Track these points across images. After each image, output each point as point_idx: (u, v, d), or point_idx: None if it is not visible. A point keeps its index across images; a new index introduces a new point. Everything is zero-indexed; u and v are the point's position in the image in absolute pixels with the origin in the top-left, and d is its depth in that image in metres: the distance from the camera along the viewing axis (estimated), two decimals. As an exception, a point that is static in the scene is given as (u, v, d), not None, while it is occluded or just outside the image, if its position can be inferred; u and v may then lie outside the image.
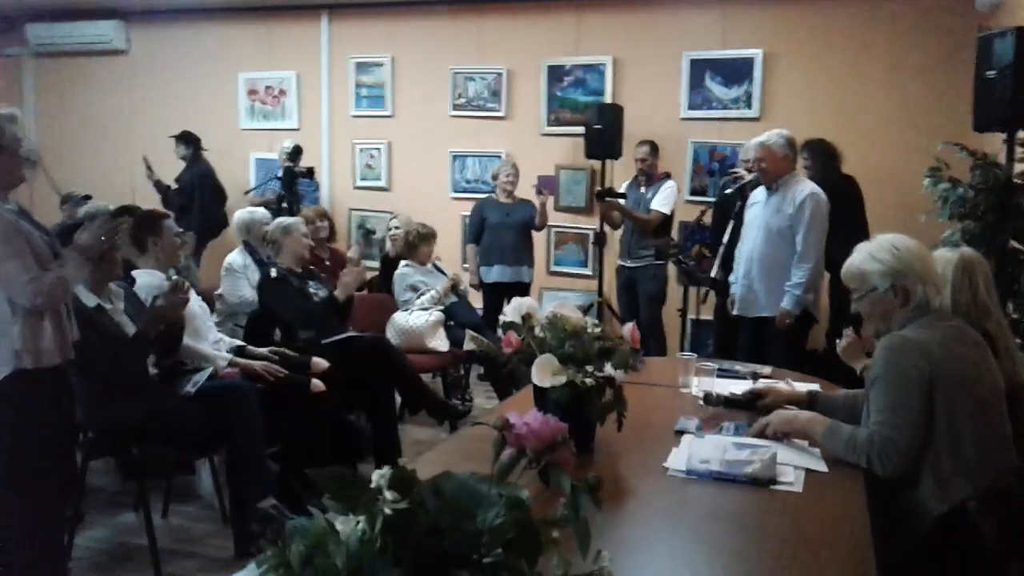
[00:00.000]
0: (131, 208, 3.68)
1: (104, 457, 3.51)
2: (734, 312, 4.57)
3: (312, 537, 1.05)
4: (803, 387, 2.73)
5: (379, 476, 1.02)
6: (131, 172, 7.44)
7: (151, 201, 6.57)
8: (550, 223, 6.56)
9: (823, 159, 5.13)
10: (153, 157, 6.93)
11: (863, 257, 2.24)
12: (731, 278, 4.59)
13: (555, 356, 2.07)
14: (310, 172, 6.22)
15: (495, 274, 5.73)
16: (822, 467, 2.09)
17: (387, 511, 1.00)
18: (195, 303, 3.77)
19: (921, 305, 2.16)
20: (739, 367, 3.12)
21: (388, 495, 1.01)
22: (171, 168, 6.92)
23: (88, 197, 6.53)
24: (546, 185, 5.84)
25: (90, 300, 3.04)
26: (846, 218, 4.58)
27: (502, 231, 5.72)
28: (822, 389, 2.74)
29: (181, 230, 3.76)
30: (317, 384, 3.62)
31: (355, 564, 0.98)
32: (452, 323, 5.05)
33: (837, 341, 2.94)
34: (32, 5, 7.47)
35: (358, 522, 1.02)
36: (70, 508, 3.12)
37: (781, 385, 2.71)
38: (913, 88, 5.78)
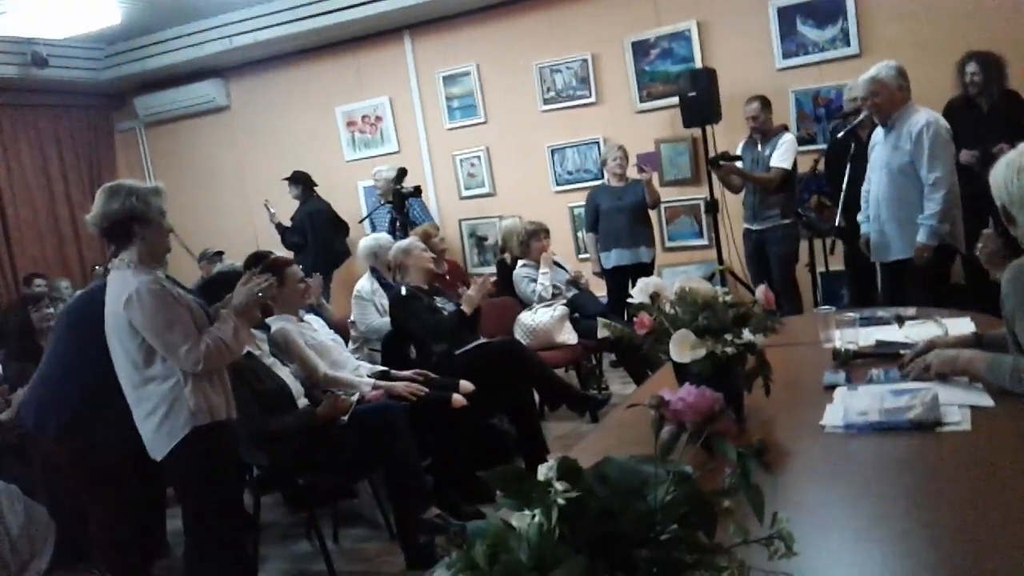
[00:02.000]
0: (261, 255, 3.87)
1: (272, 492, 3.69)
2: (871, 258, 4.39)
3: (492, 536, 1.08)
4: (958, 326, 2.60)
5: (547, 469, 1.05)
6: (250, 219, 7.83)
7: (274, 243, 6.90)
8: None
9: (993, 71, 4.80)
10: (273, 201, 7.25)
11: (996, 167, 2.13)
12: (860, 220, 4.39)
13: (690, 330, 2.05)
14: (417, 191, 6.38)
15: (614, 258, 5.72)
16: (988, 402, 1.99)
17: (560, 501, 1.03)
18: (328, 336, 3.93)
19: None
20: (881, 312, 3.00)
21: (559, 486, 1.04)
22: (290, 208, 7.23)
23: (221, 253, 6.93)
24: (647, 162, 5.78)
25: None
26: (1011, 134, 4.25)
27: (616, 215, 5.70)
28: (976, 325, 2.61)
29: (302, 275, 3.91)
30: (458, 399, 3.71)
31: (538, 556, 1.01)
32: (577, 315, 5.07)
33: (977, 245, 2.69)
34: (137, 78, 7.94)
35: (534, 516, 1.05)
36: (252, 545, 3.31)
37: (938, 336, 2.53)
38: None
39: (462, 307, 4.29)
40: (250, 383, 3.18)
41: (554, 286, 5.26)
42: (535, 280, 5.23)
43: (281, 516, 4.18)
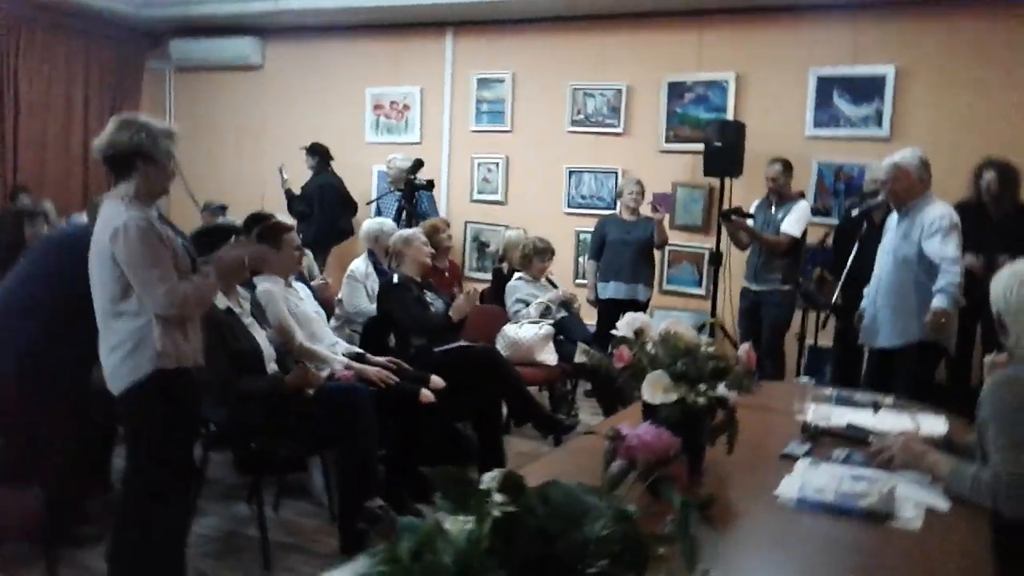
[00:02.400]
0: (261, 216, 3.86)
1: (224, 450, 3.66)
2: (860, 340, 4.38)
3: (422, 535, 1.07)
4: (931, 424, 2.60)
5: (490, 478, 1.03)
6: (263, 181, 7.80)
7: (280, 208, 6.87)
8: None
9: (1010, 182, 4.82)
10: (288, 167, 7.25)
11: (999, 275, 2.14)
12: (863, 304, 4.38)
13: (667, 373, 2.04)
14: (430, 184, 6.37)
15: (611, 290, 5.71)
16: (943, 505, 1.98)
17: (496, 513, 1.01)
18: (311, 308, 3.91)
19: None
20: (858, 395, 3.00)
21: (498, 497, 1.03)
22: (303, 178, 7.23)
23: (224, 207, 6.91)
24: (661, 202, 5.78)
25: (221, 302, 3.21)
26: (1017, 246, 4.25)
27: (621, 248, 5.69)
28: (949, 424, 2.60)
29: (298, 243, 3.89)
30: (427, 395, 3.69)
31: (463, 563, 1.00)
32: (562, 337, 5.06)
33: (985, 358, 2.70)
34: (176, 21, 7.95)
35: (467, 522, 1.04)
36: (191, 497, 3.28)
37: (910, 431, 2.51)
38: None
39: (450, 313, 4.27)
40: (225, 339, 3.16)
41: (546, 305, 5.24)
42: (526, 302, 5.20)
43: (228, 475, 4.15)
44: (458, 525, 1.05)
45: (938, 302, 3.91)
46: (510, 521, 1.02)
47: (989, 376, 2.54)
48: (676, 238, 6.52)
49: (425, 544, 1.06)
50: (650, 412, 2.09)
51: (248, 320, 3.34)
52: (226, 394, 3.13)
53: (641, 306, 5.67)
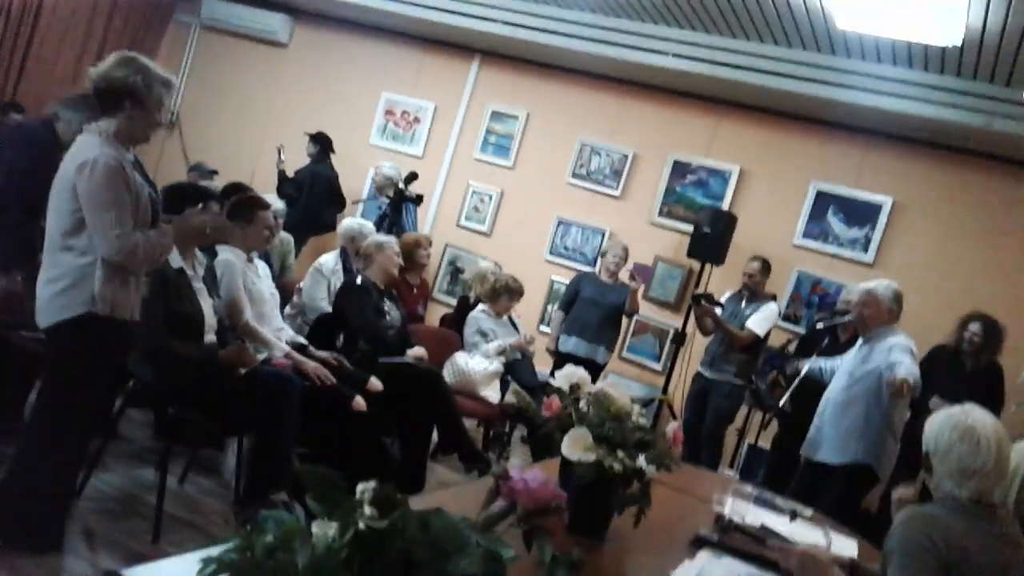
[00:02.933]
0: (239, 186, 3.83)
1: (143, 409, 3.58)
2: (800, 451, 4.39)
3: (283, 531, 1.03)
4: (843, 545, 2.59)
5: (363, 489, 1.00)
6: (258, 156, 7.77)
7: (268, 187, 6.84)
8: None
9: (993, 339, 4.85)
10: (287, 149, 7.23)
11: (936, 415, 2.14)
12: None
13: (592, 433, 2.02)
14: (419, 199, 6.35)
15: (571, 345, 5.68)
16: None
17: (362, 525, 0.98)
18: (267, 288, 3.86)
19: (945, 494, 2.05)
20: (779, 501, 2.98)
21: (367, 510, 0.99)
22: (300, 163, 7.19)
23: (215, 172, 6.86)
24: (640, 272, 5.78)
25: (175, 261, 3.15)
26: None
27: (591, 307, 5.68)
28: (859, 549, 2.59)
29: (272, 223, 3.84)
30: (359, 403, 3.61)
31: (314, 569, 0.96)
32: (509, 378, 5.02)
33: (894, 492, 2.71)
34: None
35: (332, 528, 1.00)
36: (94, 448, 3.19)
37: (820, 547, 2.52)
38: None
39: (408, 354, 4.28)
40: (169, 298, 3.10)
41: (503, 348, 5.20)
42: (484, 335, 5.16)
43: (143, 437, 4.06)
44: (324, 530, 1.02)
45: (900, 372, 3.83)
46: (375, 537, 0.99)
47: (897, 510, 2.56)
48: (647, 309, 6.54)
49: (285, 541, 1.02)
50: (566, 467, 2.06)
51: (198, 285, 3.28)
52: (156, 353, 3.06)
53: (598, 368, 5.65)
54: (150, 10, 8.31)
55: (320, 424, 3.56)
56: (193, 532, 3.29)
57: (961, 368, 4.86)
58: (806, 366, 4.53)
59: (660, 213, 6.64)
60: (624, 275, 5.79)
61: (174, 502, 3.41)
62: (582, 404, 2.15)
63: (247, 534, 1.03)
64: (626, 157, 6.77)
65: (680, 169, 6.61)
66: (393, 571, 1.02)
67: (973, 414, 2.09)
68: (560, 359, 5.69)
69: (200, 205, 3.14)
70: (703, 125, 6.58)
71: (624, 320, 5.92)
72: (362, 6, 7.20)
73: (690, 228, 6.10)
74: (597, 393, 2.11)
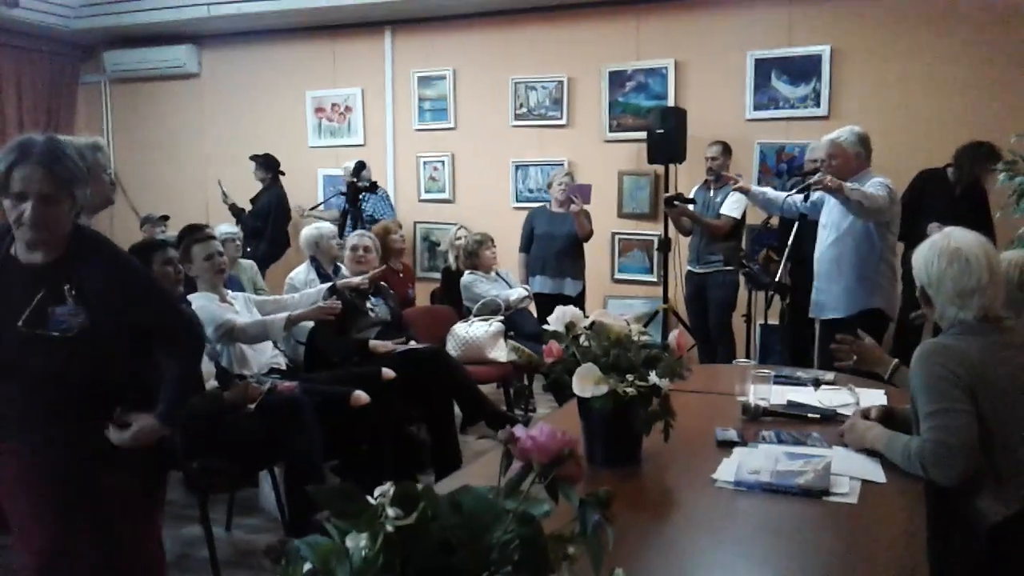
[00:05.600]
0: (194, 227, 3.79)
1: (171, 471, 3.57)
2: (810, 314, 4.42)
3: (321, 553, 1.03)
4: (872, 397, 2.62)
5: (381, 493, 1.00)
6: (205, 191, 7.68)
7: (225, 218, 6.77)
8: (614, 230, 6.51)
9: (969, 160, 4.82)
10: (225, 177, 7.13)
11: (920, 248, 2.16)
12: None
13: (599, 365, 2.03)
14: (373, 186, 6.30)
15: (538, 284, 5.67)
16: (880, 477, 2.00)
17: (389, 528, 0.98)
18: (250, 319, 3.82)
19: (951, 321, 2.08)
20: (800, 373, 3.01)
21: (391, 512, 0.99)
22: (245, 189, 7.11)
23: (166, 217, 6.78)
24: (577, 193, 5.60)
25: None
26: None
27: (547, 241, 5.65)
28: (889, 398, 2.62)
29: (214, 249, 3.72)
30: (358, 397, 3.60)
31: (356, 582, 0.96)
32: (512, 333, 5.03)
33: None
34: (109, 32, 7.77)
35: (362, 539, 1.00)
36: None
37: (871, 407, 2.51)
38: (985, 81, 5.51)
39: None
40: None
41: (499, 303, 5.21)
42: (483, 294, 5.15)
43: (178, 496, 4.06)
44: (356, 542, 1.02)
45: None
46: (405, 534, 0.99)
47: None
48: (624, 227, 6.54)
49: (323, 563, 1.03)
50: (584, 406, 2.07)
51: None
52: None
53: (570, 300, 5.60)
54: (56, 82, 8.13)
55: (339, 432, 3.56)
56: (251, 572, 3.33)
57: (951, 191, 4.88)
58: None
59: (611, 128, 6.59)
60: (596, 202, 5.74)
61: (226, 549, 3.44)
62: (582, 340, 2.15)
63: (285, 569, 1.03)
64: (561, 83, 6.70)
65: (617, 79, 6.54)
66: (434, 562, 1.02)
67: (954, 236, 2.11)
68: (536, 300, 5.65)
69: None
70: (626, 29, 6.49)
71: (587, 245, 5.81)
72: (260, 13, 7.05)
73: (643, 135, 6.05)
74: (592, 325, 2.10)
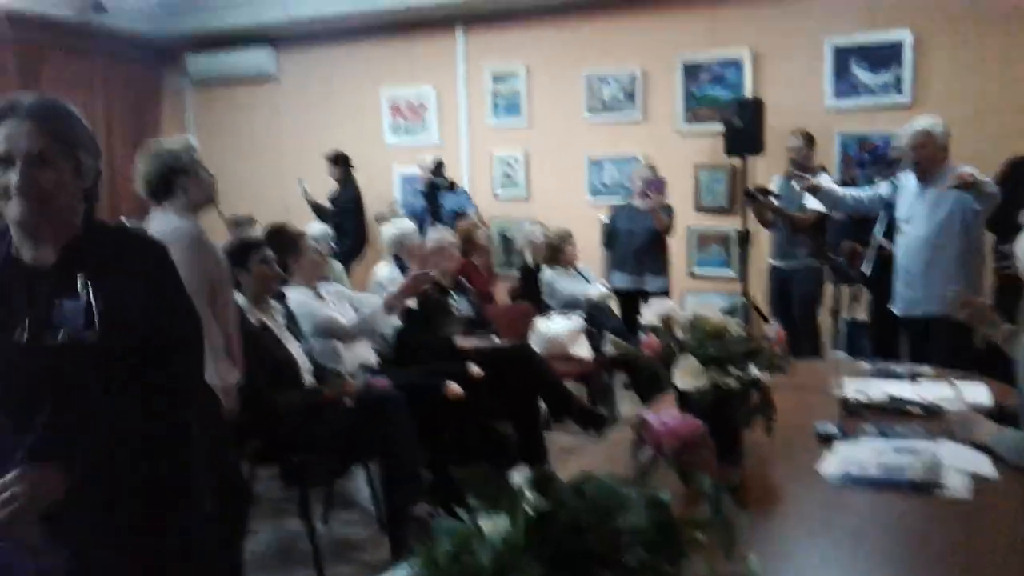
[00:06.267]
0: (281, 227, 3.91)
1: (269, 465, 3.68)
2: (895, 310, 4.32)
3: (458, 537, 1.08)
4: (973, 391, 2.57)
5: (520, 477, 1.04)
6: (283, 191, 7.86)
7: (305, 217, 6.93)
8: (690, 224, 6.46)
9: None
10: (303, 177, 7.30)
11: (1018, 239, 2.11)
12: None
13: (697, 358, 2.03)
14: (451, 185, 6.38)
15: (619, 280, 5.66)
16: (991, 472, 1.95)
17: (530, 511, 1.01)
18: (344, 313, 3.92)
19: None
20: (897, 368, 2.96)
21: (529, 495, 1.03)
22: (322, 186, 7.27)
23: (251, 219, 6.96)
24: (651, 187, 5.58)
25: (254, 318, 3.24)
26: None
27: (628, 238, 5.63)
28: (992, 390, 2.56)
29: (317, 246, 3.88)
30: (454, 389, 3.66)
31: (500, 562, 1.00)
32: (594, 330, 5.04)
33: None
34: (190, 37, 8.03)
35: (501, 521, 1.04)
36: (242, 515, 3.31)
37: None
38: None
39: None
40: (259, 354, 3.18)
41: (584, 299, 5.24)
42: (562, 291, 5.18)
43: (274, 489, 4.18)
44: (492, 525, 1.06)
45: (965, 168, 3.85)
46: (544, 518, 1.03)
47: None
48: (702, 221, 6.48)
49: (463, 546, 1.07)
50: (684, 399, 2.08)
51: (284, 334, 3.37)
52: (264, 410, 3.15)
53: (651, 296, 5.59)
54: (141, 86, 8.42)
55: (432, 427, 3.62)
56: (351, 566, 3.40)
57: None
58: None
59: (686, 121, 6.54)
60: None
61: (325, 542, 3.51)
62: (679, 334, 2.15)
63: (425, 550, 1.08)
64: (635, 76, 6.67)
65: (692, 71, 6.48)
66: (568, 543, 1.06)
67: None
68: (618, 296, 5.65)
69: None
70: (701, 20, 6.42)
71: (670, 240, 5.80)
72: (336, 15, 7.19)
73: (720, 127, 5.99)
74: (691, 318, 2.11)
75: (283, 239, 3.77)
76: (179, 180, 2.76)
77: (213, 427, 1.93)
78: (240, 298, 3.20)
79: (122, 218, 7.39)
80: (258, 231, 5.99)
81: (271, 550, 3.60)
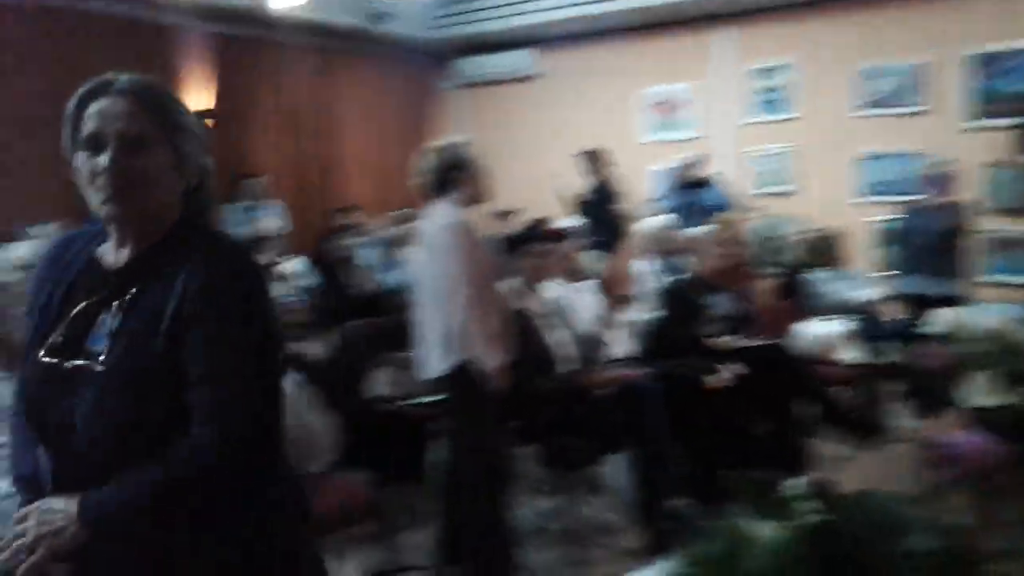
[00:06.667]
0: (541, 220, 4.07)
1: (530, 445, 3.81)
2: None
3: (729, 540, 1.06)
4: None
5: (796, 486, 1.01)
6: (542, 188, 8.08)
7: (561, 212, 7.10)
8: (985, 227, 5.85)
9: None
10: (560, 173, 7.46)
11: None
12: None
13: (993, 374, 1.84)
14: (707, 181, 6.27)
15: (910, 285, 5.21)
16: None
17: (810, 520, 0.98)
18: (592, 314, 4.00)
19: None
20: None
21: (808, 505, 0.99)
22: (579, 182, 7.40)
23: (514, 212, 7.27)
24: (935, 185, 5.10)
25: (522, 305, 3.41)
26: None
27: (918, 238, 5.18)
28: None
29: (565, 251, 3.96)
30: (716, 380, 3.58)
31: (775, 570, 0.98)
32: (864, 335, 4.72)
33: None
34: (459, 41, 8.50)
35: (774, 529, 1.02)
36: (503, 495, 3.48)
37: None
38: None
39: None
40: (525, 338, 3.33)
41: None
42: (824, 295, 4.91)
43: (531, 469, 4.32)
44: (761, 531, 1.03)
45: None
46: (824, 529, 0.99)
47: None
48: (993, 223, 5.85)
49: (733, 549, 1.06)
50: (977, 416, 1.90)
51: (547, 321, 3.51)
52: (526, 393, 3.29)
53: (946, 302, 5.09)
54: (417, 88, 9.02)
55: (686, 422, 3.57)
56: (602, 550, 3.47)
57: None
58: None
59: (972, 116, 5.94)
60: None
61: (577, 524, 3.60)
62: (969, 345, 1.97)
63: (691, 549, 1.07)
64: (914, 69, 6.17)
65: (981, 61, 5.89)
66: (848, 558, 1.01)
67: None
68: (905, 301, 5.21)
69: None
70: (991, 7, 5.81)
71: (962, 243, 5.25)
72: (597, 14, 7.29)
73: (1013, 122, 5.38)
74: (989, 332, 1.92)
75: (543, 233, 3.90)
76: (459, 176, 2.94)
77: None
78: (511, 285, 3.37)
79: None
80: (518, 224, 6.26)
81: (524, 527, 3.72)
